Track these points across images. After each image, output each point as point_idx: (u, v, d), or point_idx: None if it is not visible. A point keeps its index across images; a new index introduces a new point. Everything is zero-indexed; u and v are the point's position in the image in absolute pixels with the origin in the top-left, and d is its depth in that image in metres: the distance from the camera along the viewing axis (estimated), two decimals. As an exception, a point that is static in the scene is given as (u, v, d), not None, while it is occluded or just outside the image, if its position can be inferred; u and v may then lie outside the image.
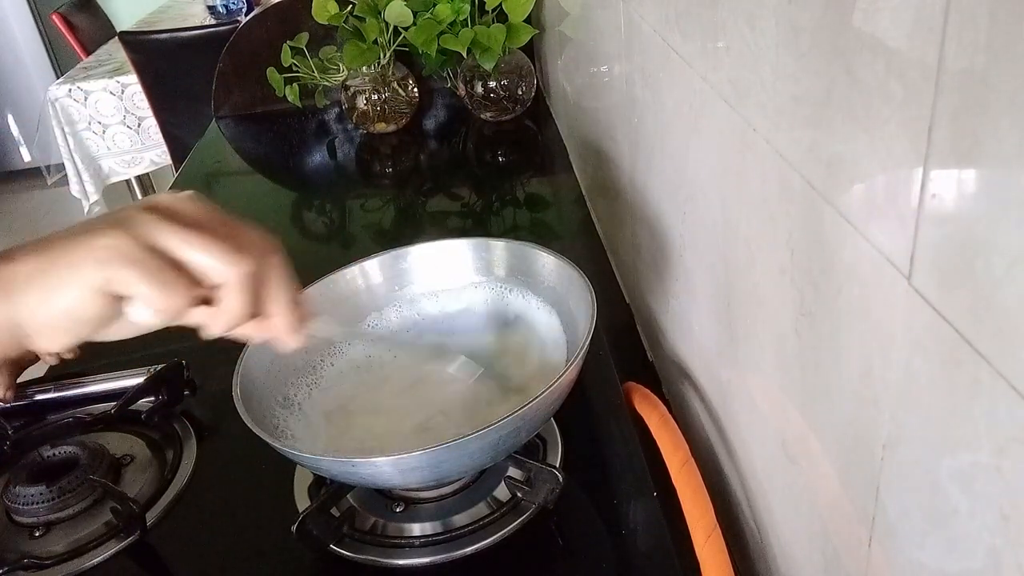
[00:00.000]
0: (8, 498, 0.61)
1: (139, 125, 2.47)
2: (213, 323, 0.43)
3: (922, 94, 0.27)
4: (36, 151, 2.58)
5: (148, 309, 0.40)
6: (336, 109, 1.48)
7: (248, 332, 0.45)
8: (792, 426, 0.46)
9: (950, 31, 0.25)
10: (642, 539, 0.56)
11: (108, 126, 2.46)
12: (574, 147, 1.22)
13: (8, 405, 0.72)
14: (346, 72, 1.35)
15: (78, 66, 2.62)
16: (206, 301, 0.42)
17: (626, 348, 0.87)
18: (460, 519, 0.57)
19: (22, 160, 3.58)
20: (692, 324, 0.67)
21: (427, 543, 0.55)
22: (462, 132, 1.40)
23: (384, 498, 0.59)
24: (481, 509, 0.58)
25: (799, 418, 0.44)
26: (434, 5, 1.26)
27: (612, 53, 0.85)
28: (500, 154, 1.33)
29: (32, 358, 0.74)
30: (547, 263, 0.65)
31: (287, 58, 1.35)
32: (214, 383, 0.74)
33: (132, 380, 0.72)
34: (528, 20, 1.27)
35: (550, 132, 1.34)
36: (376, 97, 1.34)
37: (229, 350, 0.59)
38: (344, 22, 1.28)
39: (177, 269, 0.40)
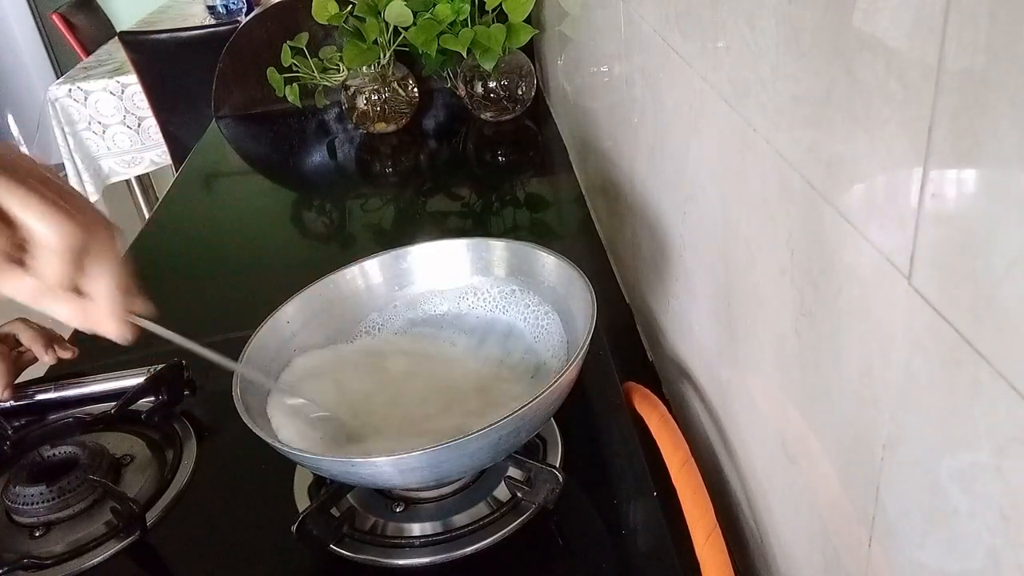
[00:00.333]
0: (8, 498, 0.61)
1: (139, 125, 2.47)
2: (24, 289, 0.41)
3: (922, 94, 0.27)
4: (36, 151, 2.58)
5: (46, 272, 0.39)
6: (336, 109, 1.48)
7: (66, 312, 0.43)
8: (792, 426, 0.46)
9: (950, 31, 0.25)
10: (642, 539, 0.56)
11: (108, 126, 2.46)
12: (574, 147, 1.22)
13: (7, 405, 0.72)
14: (346, 72, 1.35)
15: (78, 66, 2.62)
16: (21, 262, 0.40)
17: (626, 348, 0.87)
18: (460, 519, 0.57)
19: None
20: (692, 324, 0.67)
21: (427, 543, 0.55)
22: (462, 132, 1.40)
23: (384, 498, 0.59)
24: (481, 509, 0.58)
25: (799, 418, 0.44)
26: (434, 5, 1.26)
27: (612, 53, 0.85)
28: (500, 154, 1.33)
29: (32, 358, 0.74)
30: (547, 263, 0.65)
31: (287, 58, 1.35)
32: (214, 383, 0.74)
33: (132, 380, 0.72)
34: (528, 20, 1.27)
35: (550, 132, 1.34)
36: (376, 97, 1.34)
37: (229, 350, 0.59)
38: (344, 22, 1.28)
39: (62, 202, 0.39)
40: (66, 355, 0.74)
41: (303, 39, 1.34)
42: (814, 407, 0.42)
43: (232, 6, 2.78)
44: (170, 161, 2.42)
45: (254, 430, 0.52)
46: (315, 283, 0.67)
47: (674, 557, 0.52)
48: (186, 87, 2.18)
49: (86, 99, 2.41)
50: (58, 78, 2.54)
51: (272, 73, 1.38)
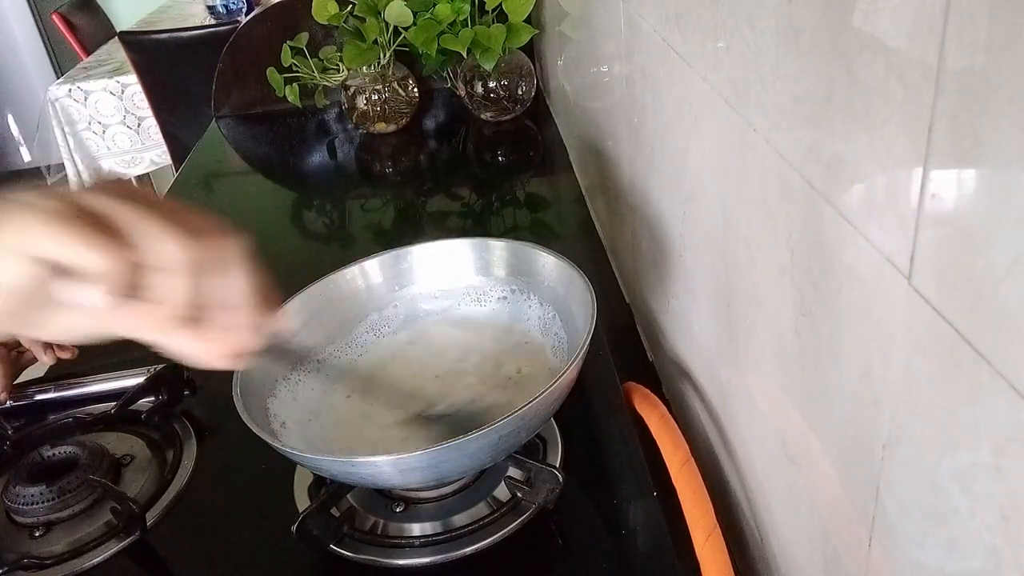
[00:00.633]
0: (8, 498, 0.61)
1: (139, 125, 2.47)
2: (150, 318, 0.38)
3: (922, 94, 0.27)
4: (36, 151, 2.58)
5: (85, 287, 0.36)
6: (336, 109, 1.48)
7: (190, 343, 0.39)
8: (792, 426, 0.46)
9: (950, 31, 0.25)
10: (642, 539, 0.56)
11: (108, 126, 2.46)
12: (574, 147, 1.22)
13: (7, 405, 0.72)
14: (346, 72, 1.35)
15: (78, 66, 2.62)
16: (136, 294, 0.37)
17: (626, 348, 0.87)
18: (460, 519, 0.57)
19: (22, 160, 3.58)
20: (692, 324, 0.67)
21: (427, 543, 0.55)
22: (462, 132, 1.40)
23: (384, 498, 0.59)
24: (481, 509, 0.57)
25: (799, 418, 0.44)
26: (434, 5, 1.26)
27: (612, 53, 0.85)
28: (500, 154, 1.33)
29: (32, 358, 0.74)
30: (547, 263, 0.65)
31: (287, 58, 1.35)
32: (214, 383, 0.73)
33: (132, 380, 0.72)
34: (528, 20, 1.27)
35: (550, 132, 1.34)
36: (376, 97, 1.34)
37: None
38: (344, 22, 1.28)
39: (111, 233, 0.36)
40: (66, 355, 0.74)
41: (303, 39, 1.34)
42: (814, 407, 0.42)
43: (232, 6, 2.78)
44: (170, 161, 2.43)
45: (254, 430, 0.52)
46: (315, 283, 0.67)
47: (674, 557, 0.52)
48: (186, 87, 2.19)
49: (86, 99, 2.41)
50: (58, 78, 2.55)
51: (272, 73, 1.38)
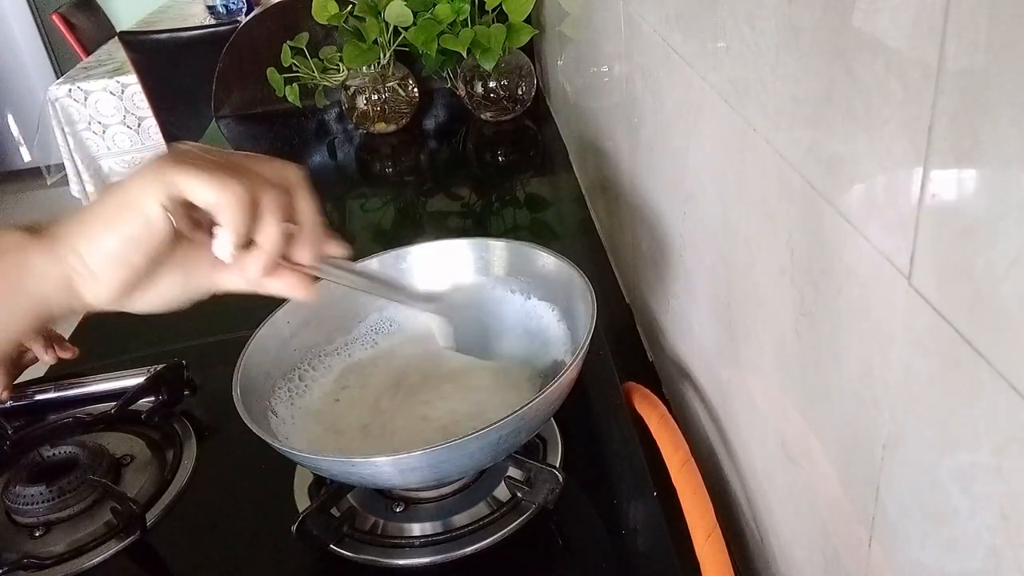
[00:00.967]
0: (8, 498, 0.61)
1: (139, 125, 2.47)
2: (260, 264, 0.43)
3: (922, 94, 0.27)
4: (36, 151, 2.59)
5: (224, 235, 0.41)
6: (336, 109, 1.48)
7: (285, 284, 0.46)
8: (792, 426, 0.46)
9: (950, 31, 0.25)
10: (642, 539, 0.56)
11: (108, 126, 2.46)
12: (574, 147, 1.22)
13: (7, 405, 0.72)
14: (346, 72, 1.35)
15: (78, 66, 2.62)
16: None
17: (626, 348, 0.87)
18: (460, 519, 0.57)
19: (22, 160, 3.58)
20: (692, 324, 0.67)
21: (427, 543, 0.55)
22: (462, 132, 1.40)
23: (384, 498, 0.59)
24: (481, 509, 0.58)
25: (799, 418, 0.44)
26: (434, 5, 1.26)
27: (612, 53, 0.85)
28: (500, 154, 1.33)
29: (32, 358, 0.74)
30: (547, 263, 0.65)
31: (287, 58, 1.35)
32: (214, 383, 0.74)
33: (132, 380, 0.72)
34: (528, 20, 1.27)
35: (550, 132, 1.34)
36: (376, 97, 1.34)
37: (229, 350, 0.59)
38: (344, 22, 1.28)
39: (231, 168, 0.41)
40: (66, 355, 0.74)
41: (303, 39, 1.34)
42: (814, 407, 0.42)
43: (232, 6, 2.78)
44: (170, 161, 2.42)
45: (254, 430, 0.52)
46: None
47: (674, 557, 0.52)
48: (186, 87, 2.18)
49: (86, 99, 2.41)
50: (58, 78, 2.55)
51: (272, 73, 1.38)
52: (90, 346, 0.77)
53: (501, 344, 0.66)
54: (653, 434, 0.61)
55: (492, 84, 1.32)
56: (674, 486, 0.56)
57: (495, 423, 0.48)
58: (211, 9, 2.84)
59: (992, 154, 0.24)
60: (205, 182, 0.40)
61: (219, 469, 0.66)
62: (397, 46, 1.30)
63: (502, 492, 0.59)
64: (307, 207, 0.45)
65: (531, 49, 1.44)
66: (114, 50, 2.62)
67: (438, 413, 0.61)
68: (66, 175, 2.50)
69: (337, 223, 1.18)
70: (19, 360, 0.73)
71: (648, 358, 0.86)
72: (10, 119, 3.56)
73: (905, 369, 0.31)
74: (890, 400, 0.33)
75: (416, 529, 0.57)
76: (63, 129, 2.42)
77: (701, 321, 0.64)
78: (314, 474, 0.61)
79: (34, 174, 3.32)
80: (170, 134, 2.34)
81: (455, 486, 0.59)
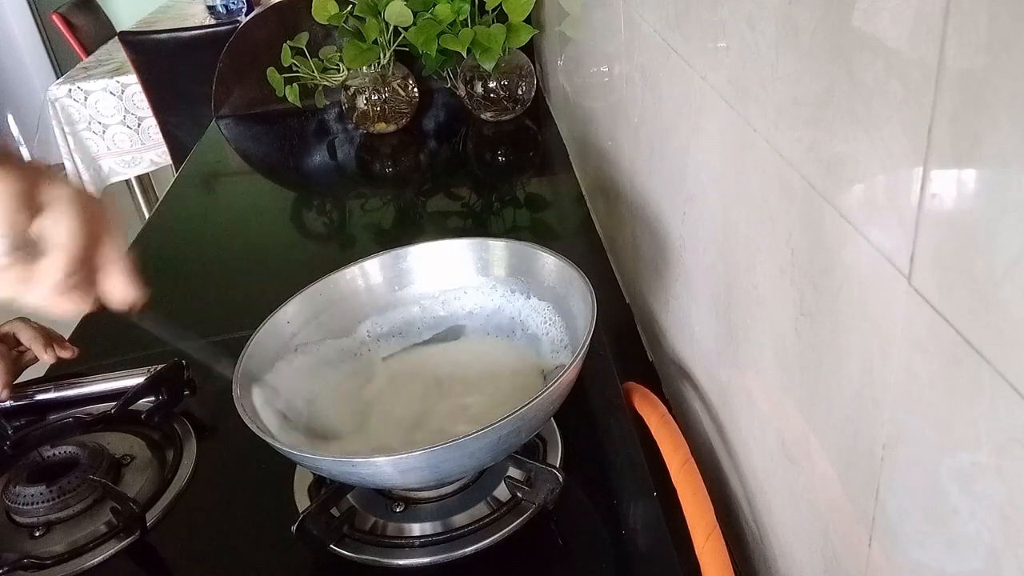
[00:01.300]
0: (8, 498, 0.61)
1: (139, 125, 2.47)
2: (40, 271, 0.40)
3: (922, 94, 0.27)
4: (36, 151, 2.58)
5: None
6: (336, 109, 1.48)
7: (80, 295, 0.42)
8: (792, 426, 0.46)
9: (950, 31, 0.25)
10: (642, 539, 0.56)
11: (108, 126, 2.46)
12: (574, 147, 1.22)
13: (7, 405, 0.72)
14: (346, 72, 1.35)
15: (78, 66, 2.62)
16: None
17: (626, 348, 0.87)
18: (460, 519, 0.57)
19: (22, 160, 3.57)
20: (692, 324, 0.67)
21: (427, 543, 0.55)
22: (462, 132, 1.40)
23: (384, 498, 0.59)
24: (481, 509, 0.57)
25: (799, 418, 0.44)
26: (434, 5, 1.26)
27: (612, 53, 0.85)
28: (500, 154, 1.33)
29: (32, 358, 0.74)
30: (547, 263, 0.65)
31: (287, 58, 1.35)
32: (214, 383, 0.74)
33: (132, 380, 0.72)
34: (528, 20, 1.27)
35: (550, 132, 1.34)
36: (376, 97, 1.34)
37: (229, 350, 0.59)
38: (344, 22, 1.28)
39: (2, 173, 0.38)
40: (66, 355, 0.74)
41: (303, 39, 1.34)
42: (814, 407, 0.42)
43: (232, 6, 2.78)
44: (170, 161, 2.42)
45: (254, 430, 0.52)
46: (315, 283, 0.67)
47: (674, 557, 0.52)
48: (186, 87, 2.18)
49: (86, 99, 2.41)
50: (58, 78, 2.54)
51: (272, 73, 1.38)
52: (90, 346, 0.77)
53: (499, 347, 0.66)
54: (653, 434, 0.61)
55: (492, 84, 1.32)
56: (674, 486, 0.56)
57: (495, 423, 0.48)
58: (211, 9, 2.84)
59: (992, 154, 0.24)
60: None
61: (219, 469, 0.66)
62: (397, 46, 1.30)
63: (502, 492, 0.59)
64: (110, 244, 0.42)
65: (531, 49, 1.44)
66: (114, 50, 2.62)
67: (439, 412, 0.61)
68: (66, 175, 2.49)
69: (337, 224, 1.18)
70: (19, 360, 0.73)
71: (648, 358, 0.86)
72: (10, 119, 3.56)
73: (905, 369, 0.31)
74: (890, 400, 0.33)
75: (416, 529, 0.57)
76: (63, 129, 2.42)
77: (701, 321, 0.64)
78: (314, 474, 0.61)
79: (34, 174, 3.32)
80: (170, 134, 2.34)
81: (455, 486, 0.59)
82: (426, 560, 0.54)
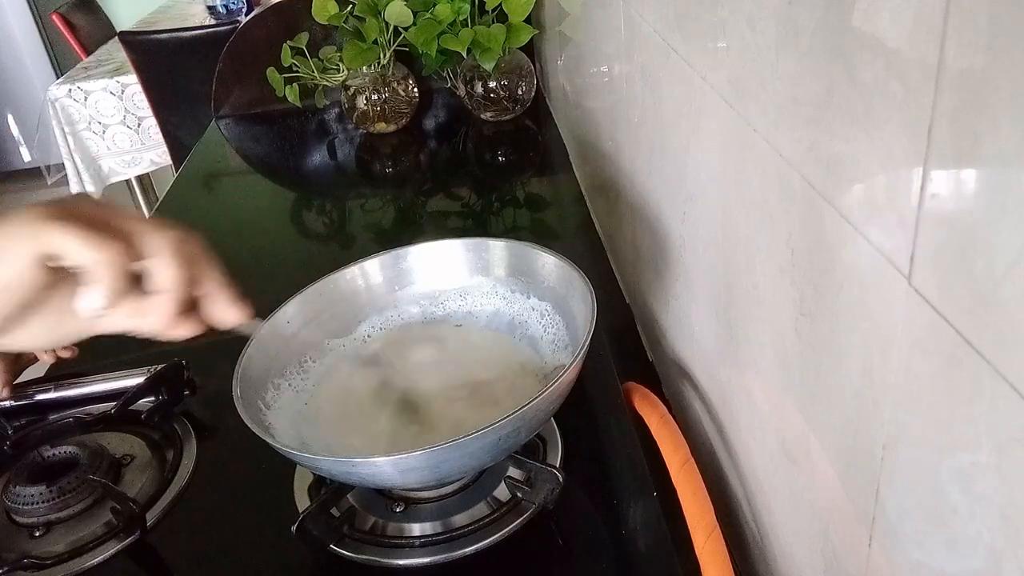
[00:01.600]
0: (8, 498, 0.61)
1: (139, 125, 2.47)
2: (150, 310, 0.42)
3: (922, 94, 0.27)
4: (36, 151, 2.59)
5: (93, 291, 0.39)
6: (336, 109, 1.48)
7: (192, 323, 0.44)
8: (792, 426, 0.46)
9: (950, 31, 0.25)
10: (642, 539, 0.56)
11: (108, 126, 2.46)
12: (574, 147, 1.22)
13: (7, 405, 0.72)
14: (346, 72, 1.35)
15: (78, 66, 2.62)
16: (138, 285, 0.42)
17: (626, 348, 0.87)
18: (460, 519, 0.57)
19: (22, 160, 3.58)
20: (692, 324, 0.67)
21: (427, 543, 0.55)
22: (462, 132, 1.40)
23: (384, 498, 0.59)
24: (481, 509, 0.58)
25: (799, 418, 0.44)
26: (434, 5, 1.26)
27: (612, 53, 0.85)
28: (500, 154, 1.33)
29: (32, 358, 0.74)
30: (547, 263, 0.65)
31: (287, 58, 1.35)
32: (214, 383, 0.74)
33: (132, 380, 0.72)
34: (528, 20, 1.27)
35: (550, 132, 1.34)
36: (376, 97, 1.34)
37: (229, 350, 0.59)
38: (344, 22, 1.28)
39: (106, 228, 0.39)
40: (66, 355, 0.74)
41: (303, 39, 1.34)
42: (814, 407, 0.42)
43: (232, 6, 2.78)
44: (170, 161, 2.42)
45: (254, 430, 0.52)
46: (315, 283, 0.67)
47: (674, 557, 0.52)
48: (186, 87, 2.19)
49: (86, 99, 2.41)
50: (58, 78, 2.54)
51: (272, 73, 1.38)
52: (90, 346, 0.77)
53: (499, 347, 0.66)
54: (653, 434, 0.61)
55: (492, 84, 1.32)
56: (674, 486, 0.56)
57: (495, 423, 0.48)
58: (211, 9, 2.84)
59: (992, 154, 0.24)
60: (80, 241, 0.38)
61: (219, 469, 0.66)
62: (397, 46, 1.30)
63: (502, 492, 0.59)
64: (212, 274, 0.45)
65: (531, 49, 1.44)
66: (114, 50, 2.62)
67: (438, 413, 0.61)
68: (66, 175, 2.49)
69: (337, 224, 1.18)
70: (19, 360, 0.73)
71: (648, 358, 0.86)
72: (10, 119, 3.56)
73: (905, 369, 0.31)
74: (890, 400, 0.33)
75: (416, 529, 0.57)
76: (63, 129, 2.42)
77: (701, 321, 0.64)
78: (314, 474, 0.61)
79: (34, 174, 3.32)
80: (170, 134, 2.34)
81: (455, 486, 0.59)
82: (426, 560, 0.54)
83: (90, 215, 0.40)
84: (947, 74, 0.26)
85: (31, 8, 3.53)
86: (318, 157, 1.39)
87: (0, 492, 0.63)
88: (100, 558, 0.58)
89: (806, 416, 0.43)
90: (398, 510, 0.58)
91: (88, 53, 2.86)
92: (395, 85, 1.35)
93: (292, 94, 1.39)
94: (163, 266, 0.42)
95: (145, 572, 0.59)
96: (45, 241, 0.38)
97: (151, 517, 0.60)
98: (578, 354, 0.53)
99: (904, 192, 0.29)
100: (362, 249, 0.74)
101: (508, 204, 1.16)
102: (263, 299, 0.66)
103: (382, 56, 1.30)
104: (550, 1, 1.28)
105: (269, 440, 0.51)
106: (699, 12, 0.53)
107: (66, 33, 3.00)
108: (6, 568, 0.57)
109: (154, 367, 0.72)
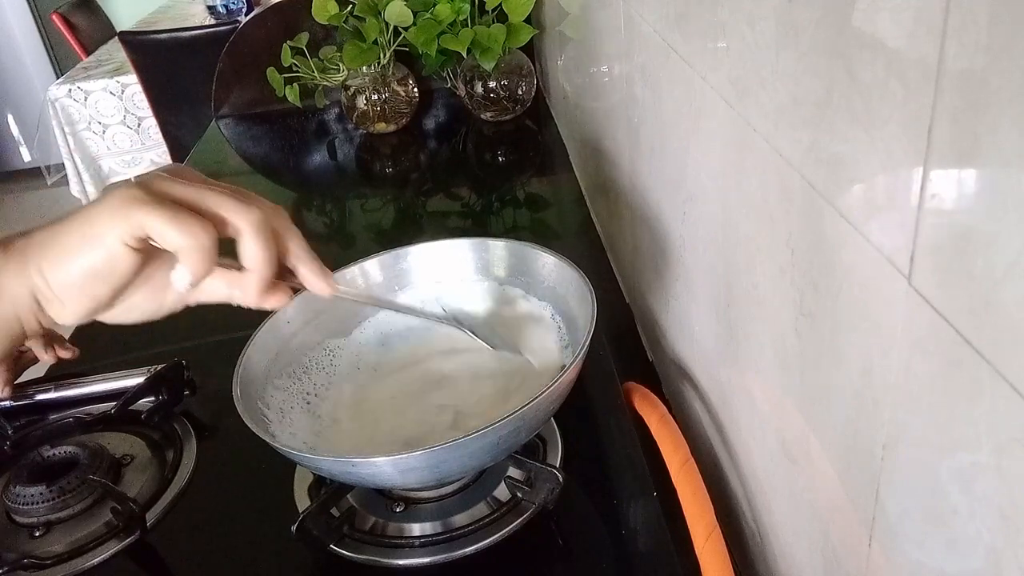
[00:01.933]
0: (8, 498, 0.61)
1: (139, 125, 2.47)
2: (242, 284, 0.44)
3: (922, 94, 0.27)
4: (36, 151, 2.59)
5: (183, 269, 0.41)
6: (336, 109, 1.48)
7: (280, 294, 0.46)
8: (792, 426, 0.46)
9: (950, 31, 0.25)
10: (642, 539, 0.56)
11: (108, 126, 2.46)
12: (574, 147, 1.22)
13: (7, 405, 0.72)
14: (346, 72, 1.35)
15: (78, 66, 2.62)
16: (225, 266, 0.44)
17: (626, 348, 0.87)
18: (460, 519, 0.57)
19: (22, 160, 3.58)
20: (692, 324, 0.67)
21: (427, 543, 0.56)
22: (462, 132, 1.40)
23: (384, 498, 0.59)
24: (481, 509, 0.58)
25: (799, 418, 0.44)
26: (434, 5, 1.26)
27: (612, 53, 0.85)
28: (500, 154, 1.33)
29: (32, 358, 0.74)
30: (547, 263, 0.65)
31: (287, 58, 1.35)
32: (214, 383, 0.74)
33: (132, 380, 0.72)
34: (528, 20, 1.27)
35: (550, 132, 1.34)
36: (376, 97, 1.34)
37: (229, 350, 0.59)
38: (344, 22, 1.28)
39: (193, 210, 0.41)
40: (66, 355, 0.74)
41: (303, 39, 1.34)
42: (814, 407, 0.42)
43: (232, 6, 2.78)
44: (170, 161, 2.42)
45: (254, 430, 0.52)
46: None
47: (674, 557, 0.52)
48: (186, 87, 2.19)
49: (86, 99, 2.41)
50: (58, 78, 2.55)
51: (272, 73, 1.38)
52: (90, 346, 0.77)
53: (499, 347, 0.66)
54: (653, 434, 0.61)
55: (492, 84, 1.32)
56: (674, 486, 0.56)
57: (495, 423, 0.48)
58: (211, 9, 2.84)
59: (992, 154, 0.24)
60: (170, 226, 0.40)
61: (219, 469, 0.66)
62: (397, 46, 1.30)
63: (502, 492, 0.59)
64: (297, 247, 0.46)
65: (531, 49, 1.44)
66: (114, 50, 2.62)
67: (439, 412, 0.61)
68: (66, 175, 2.50)
69: (337, 224, 1.18)
70: (19, 360, 0.73)
71: (648, 358, 0.86)
72: (10, 119, 3.56)
73: (905, 369, 0.31)
74: (890, 400, 0.33)
75: (416, 529, 0.57)
76: (63, 129, 2.42)
77: (701, 321, 0.64)
78: (314, 474, 0.61)
79: (34, 174, 3.33)
80: (170, 134, 2.34)
81: (455, 486, 0.59)
82: (426, 560, 0.54)
83: (179, 196, 0.41)
84: (947, 74, 0.26)
85: (31, 8, 3.54)
86: (318, 157, 1.39)
87: (0, 492, 0.63)
88: (100, 558, 0.58)
89: (806, 416, 0.43)
90: (398, 510, 0.58)
91: (88, 53, 2.86)
92: (395, 85, 1.35)
93: (292, 94, 1.39)
94: (249, 245, 0.43)
95: (145, 572, 0.59)
96: (135, 225, 0.39)
97: (151, 517, 0.60)
98: (578, 354, 0.53)
99: (904, 192, 0.29)
100: (362, 249, 0.74)
101: (508, 204, 1.16)
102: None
103: (382, 56, 1.30)
104: (550, 1, 1.28)
105: (269, 440, 0.51)
106: (699, 12, 0.53)
107: (66, 33, 3.00)
108: (6, 568, 0.57)
109: (154, 367, 0.72)
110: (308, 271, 0.47)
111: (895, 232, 0.31)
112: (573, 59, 1.13)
